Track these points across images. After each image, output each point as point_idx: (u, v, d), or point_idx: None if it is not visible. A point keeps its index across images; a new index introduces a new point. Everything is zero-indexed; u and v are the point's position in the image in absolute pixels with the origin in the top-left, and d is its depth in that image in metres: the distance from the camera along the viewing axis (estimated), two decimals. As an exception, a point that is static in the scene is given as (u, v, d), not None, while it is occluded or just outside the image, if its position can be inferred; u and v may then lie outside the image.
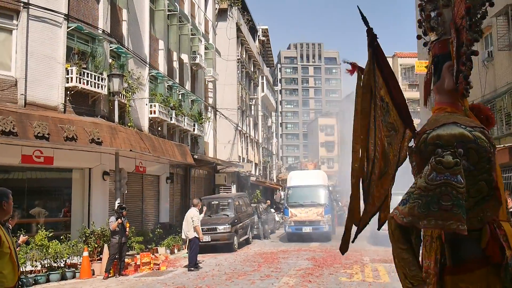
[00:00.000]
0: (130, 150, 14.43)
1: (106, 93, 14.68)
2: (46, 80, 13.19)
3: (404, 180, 3.13)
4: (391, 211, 2.34)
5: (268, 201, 29.84)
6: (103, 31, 15.22)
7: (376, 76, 2.42)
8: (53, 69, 13.39)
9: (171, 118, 19.65)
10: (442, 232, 2.28)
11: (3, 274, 3.71)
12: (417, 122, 25.20)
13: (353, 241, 2.55)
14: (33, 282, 10.87)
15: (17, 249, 7.05)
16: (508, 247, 2.22)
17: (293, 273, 11.52)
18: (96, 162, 14.80)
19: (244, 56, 37.97)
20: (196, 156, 21.87)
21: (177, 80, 21.74)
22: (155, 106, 18.31)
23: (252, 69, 42.11)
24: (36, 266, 11.23)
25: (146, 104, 18.10)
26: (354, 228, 2.53)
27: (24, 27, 12.69)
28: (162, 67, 19.99)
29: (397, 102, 2.51)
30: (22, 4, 12.64)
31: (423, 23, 2.66)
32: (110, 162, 14.96)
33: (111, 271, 11.91)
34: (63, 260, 11.86)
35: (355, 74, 2.55)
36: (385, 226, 2.52)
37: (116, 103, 14.41)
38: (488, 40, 19.59)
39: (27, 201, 13.25)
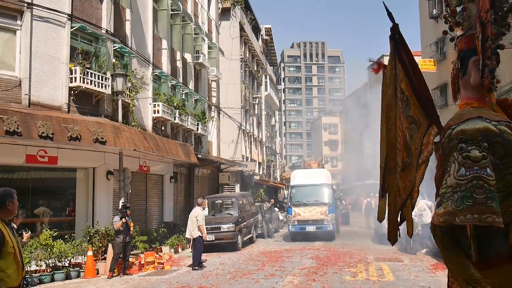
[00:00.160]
0: (134, 150, 14.46)
1: (110, 93, 14.71)
2: (50, 80, 13.23)
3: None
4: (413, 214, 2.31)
5: (272, 200, 29.81)
6: (107, 31, 15.24)
7: (397, 69, 2.44)
8: (57, 69, 13.43)
9: (174, 117, 19.66)
10: (467, 227, 2.26)
11: (7, 273, 3.73)
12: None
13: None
14: (38, 282, 10.91)
15: (23, 248, 7.07)
16: None
17: (297, 272, 11.51)
18: (100, 162, 14.83)
19: (247, 55, 37.94)
20: (199, 156, 21.87)
21: (180, 80, 21.74)
22: (158, 105, 18.32)
23: (255, 68, 42.07)
24: (40, 266, 11.27)
25: (150, 104, 18.11)
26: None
27: (28, 28, 12.72)
28: (165, 67, 20.00)
29: (421, 96, 2.51)
30: (25, 5, 12.67)
31: (449, 19, 2.66)
32: (114, 161, 15.00)
33: (115, 270, 11.95)
34: (68, 260, 11.90)
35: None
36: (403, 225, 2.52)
37: (119, 102, 14.43)
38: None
39: (32, 200, 13.29)
